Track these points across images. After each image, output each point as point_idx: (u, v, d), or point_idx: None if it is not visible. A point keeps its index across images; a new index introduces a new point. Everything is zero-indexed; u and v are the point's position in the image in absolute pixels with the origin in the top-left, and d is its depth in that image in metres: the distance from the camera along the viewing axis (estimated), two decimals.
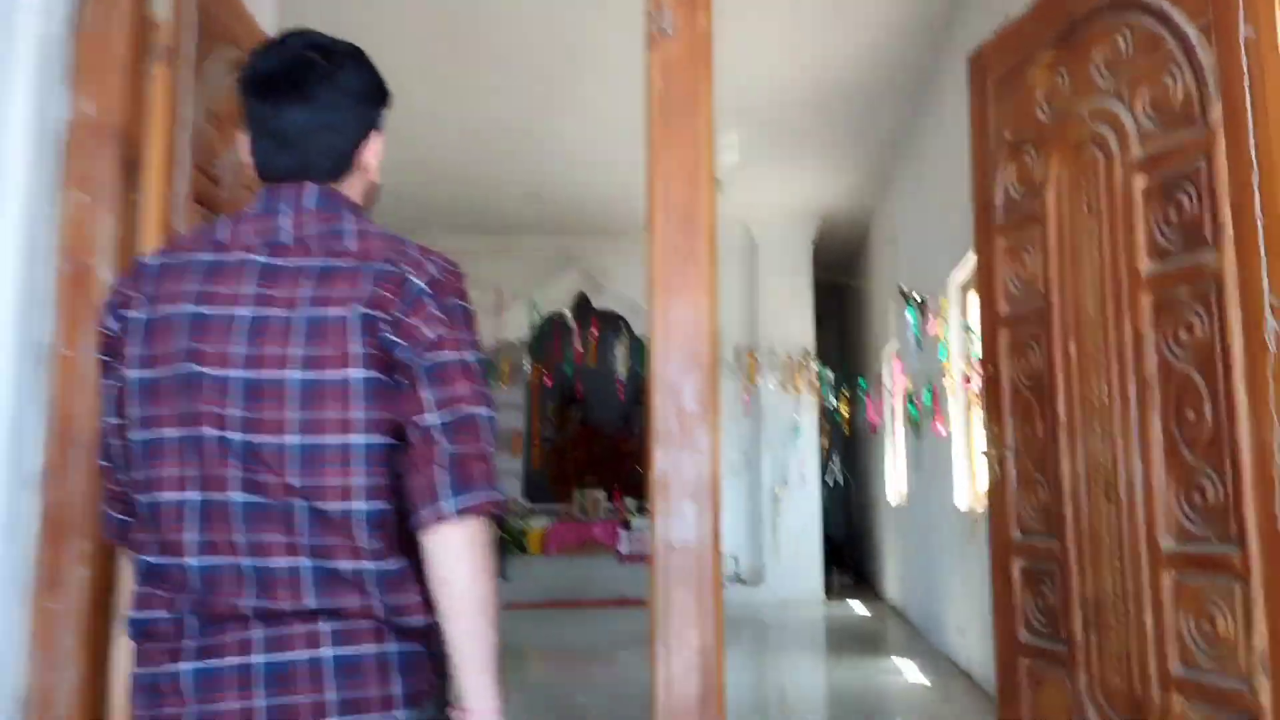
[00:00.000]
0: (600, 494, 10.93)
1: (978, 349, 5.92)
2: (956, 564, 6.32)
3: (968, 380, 5.91)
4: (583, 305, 11.09)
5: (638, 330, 10.75)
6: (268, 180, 1.36)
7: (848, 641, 7.98)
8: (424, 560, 1.24)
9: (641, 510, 10.93)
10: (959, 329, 6.18)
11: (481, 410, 1.27)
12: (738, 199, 9.65)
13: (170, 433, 1.24)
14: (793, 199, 9.91)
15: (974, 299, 6.17)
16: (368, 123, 1.42)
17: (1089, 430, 2.47)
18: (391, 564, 1.24)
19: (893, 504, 9.40)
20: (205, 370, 1.23)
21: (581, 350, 9.82)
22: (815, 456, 10.28)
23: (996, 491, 2.85)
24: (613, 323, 10.80)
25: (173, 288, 1.28)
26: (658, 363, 2.38)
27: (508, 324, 10.65)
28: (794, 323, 10.35)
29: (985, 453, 2.92)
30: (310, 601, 1.21)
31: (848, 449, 10.93)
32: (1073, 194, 2.56)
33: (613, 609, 9.73)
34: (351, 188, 1.41)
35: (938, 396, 6.25)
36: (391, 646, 1.24)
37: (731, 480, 10.38)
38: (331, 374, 1.22)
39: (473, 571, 1.23)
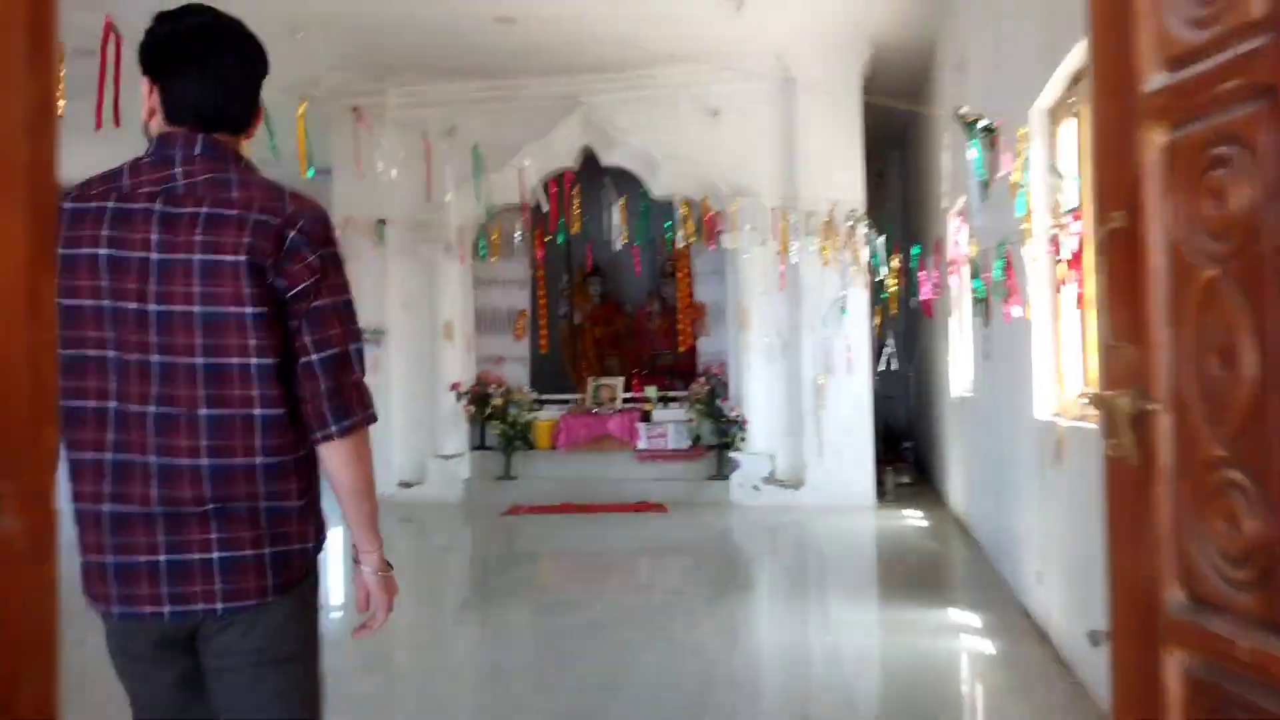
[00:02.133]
0: (617, 382, 9.53)
1: (1071, 197, 4.22)
2: (1034, 489, 4.75)
3: (1056, 244, 4.20)
4: (590, 163, 9.42)
5: (655, 190, 9.06)
6: (175, 123, 1.64)
7: (899, 572, 6.51)
8: (319, 458, 1.66)
9: (665, 400, 9.49)
10: (1043, 171, 4.44)
11: (352, 346, 1.65)
12: (765, 21, 7.76)
13: (92, 352, 1.56)
14: (837, 21, 7.96)
15: (1066, 132, 4.39)
16: (259, 81, 1.75)
17: None
18: (282, 457, 1.61)
19: (956, 397, 7.77)
20: (124, 305, 1.55)
21: (577, 214, 8.22)
22: (866, 339, 8.63)
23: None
24: (626, 182, 9.11)
25: (86, 231, 1.57)
26: None
27: (500, 186, 9.06)
28: (840, 177, 8.54)
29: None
30: (210, 490, 1.56)
31: (907, 329, 9.26)
32: None
33: (629, 514, 8.43)
34: (240, 142, 1.70)
35: (1012, 266, 4.57)
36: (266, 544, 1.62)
37: (765, 367, 8.84)
38: (229, 308, 1.55)
39: (355, 469, 1.66)
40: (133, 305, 1.55)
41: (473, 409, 9.25)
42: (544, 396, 9.74)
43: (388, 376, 9.35)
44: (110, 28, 3.57)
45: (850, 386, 8.57)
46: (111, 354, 1.56)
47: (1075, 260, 4.05)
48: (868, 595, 6.05)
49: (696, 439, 9.06)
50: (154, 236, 1.55)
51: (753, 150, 8.84)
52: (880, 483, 8.77)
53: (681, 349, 9.76)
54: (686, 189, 8.91)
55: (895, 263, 7.27)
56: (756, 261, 8.70)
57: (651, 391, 9.43)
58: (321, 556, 1.75)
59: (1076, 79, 4.06)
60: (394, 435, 9.31)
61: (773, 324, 8.78)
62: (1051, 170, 4.21)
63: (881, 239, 7.62)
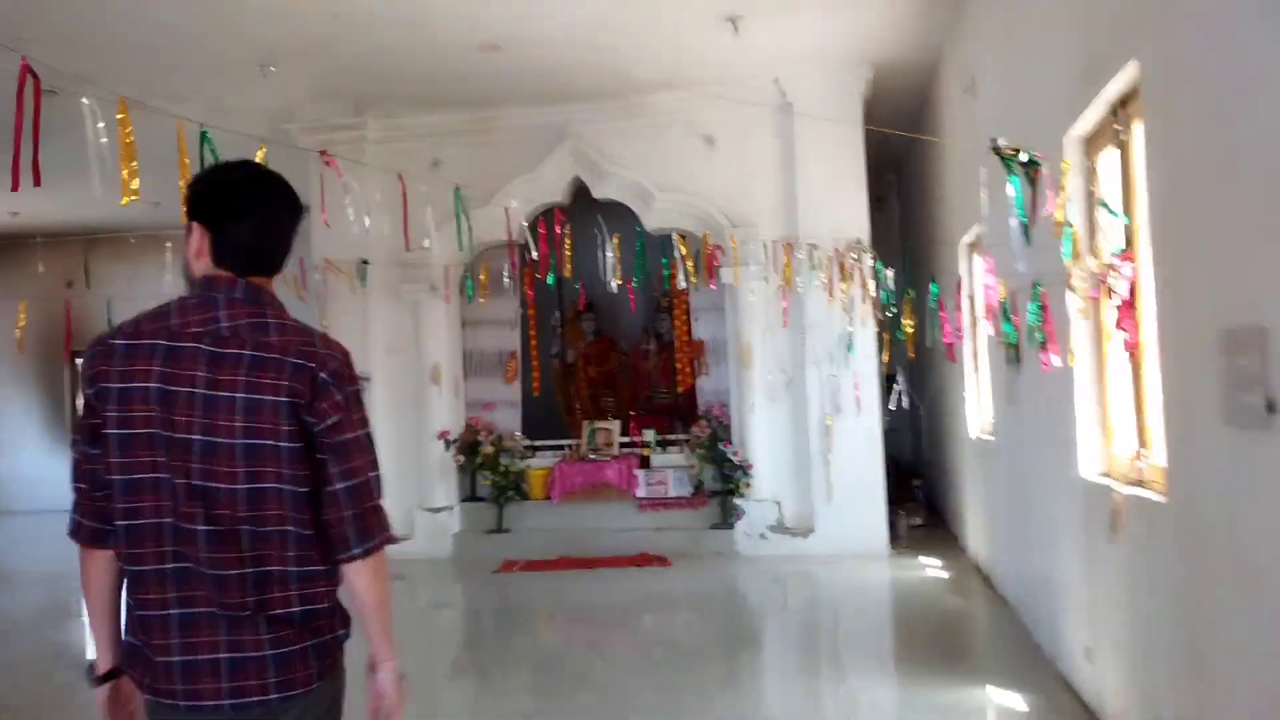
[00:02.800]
0: (614, 426, 9.05)
1: (1117, 236, 3.77)
2: (1078, 554, 4.28)
3: (1103, 287, 3.75)
4: (581, 195, 8.99)
5: (649, 224, 8.62)
6: (223, 268, 1.85)
7: (923, 636, 6.00)
8: (344, 576, 1.87)
9: (663, 444, 9.01)
10: (1082, 206, 4.00)
11: (372, 475, 1.86)
12: (760, 43, 7.35)
13: (145, 476, 1.77)
14: (835, 42, 7.56)
15: (1106, 162, 3.95)
16: (293, 231, 1.95)
17: None
18: (312, 567, 1.83)
19: (973, 437, 7.31)
20: (175, 435, 1.75)
21: (569, 254, 7.77)
22: (875, 376, 8.18)
23: None
24: (618, 215, 8.67)
25: (140, 366, 1.78)
26: None
27: (486, 223, 8.62)
28: (843, 206, 8.12)
29: None
30: (255, 595, 1.78)
31: (916, 365, 8.81)
32: None
33: (629, 569, 7.93)
34: (271, 283, 1.92)
35: (1049, 310, 4.12)
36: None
37: (768, 407, 8.38)
38: (268, 441, 1.77)
39: (376, 586, 1.87)
40: (181, 435, 1.74)
41: (462, 458, 8.77)
42: (537, 443, 9.25)
43: (372, 426, 8.85)
44: (27, 70, 3.11)
45: (860, 426, 8.10)
46: (164, 476, 1.75)
47: (1126, 306, 3.60)
48: (890, 666, 5.55)
49: (699, 486, 8.58)
50: (201, 374, 1.75)
51: (750, 180, 8.42)
52: (892, 526, 8.29)
53: (681, 389, 9.29)
54: (682, 222, 8.48)
55: (909, 295, 6.81)
56: (758, 297, 8.25)
57: (650, 435, 8.96)
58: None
59: (1124, 101, 3.62)
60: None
61: (776, 362, 8.32)
62: (1101, 205, 3.76)
63: (890, 273, 7.17)
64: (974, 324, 5.45)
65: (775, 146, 8.39)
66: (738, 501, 8.30)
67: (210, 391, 1.76)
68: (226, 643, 1.77)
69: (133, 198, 3.39)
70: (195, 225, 1.86)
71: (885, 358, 8.07)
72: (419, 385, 8.89)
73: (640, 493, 8.62)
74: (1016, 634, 5.53)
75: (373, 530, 1.85)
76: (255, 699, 1.78)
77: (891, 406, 8.06)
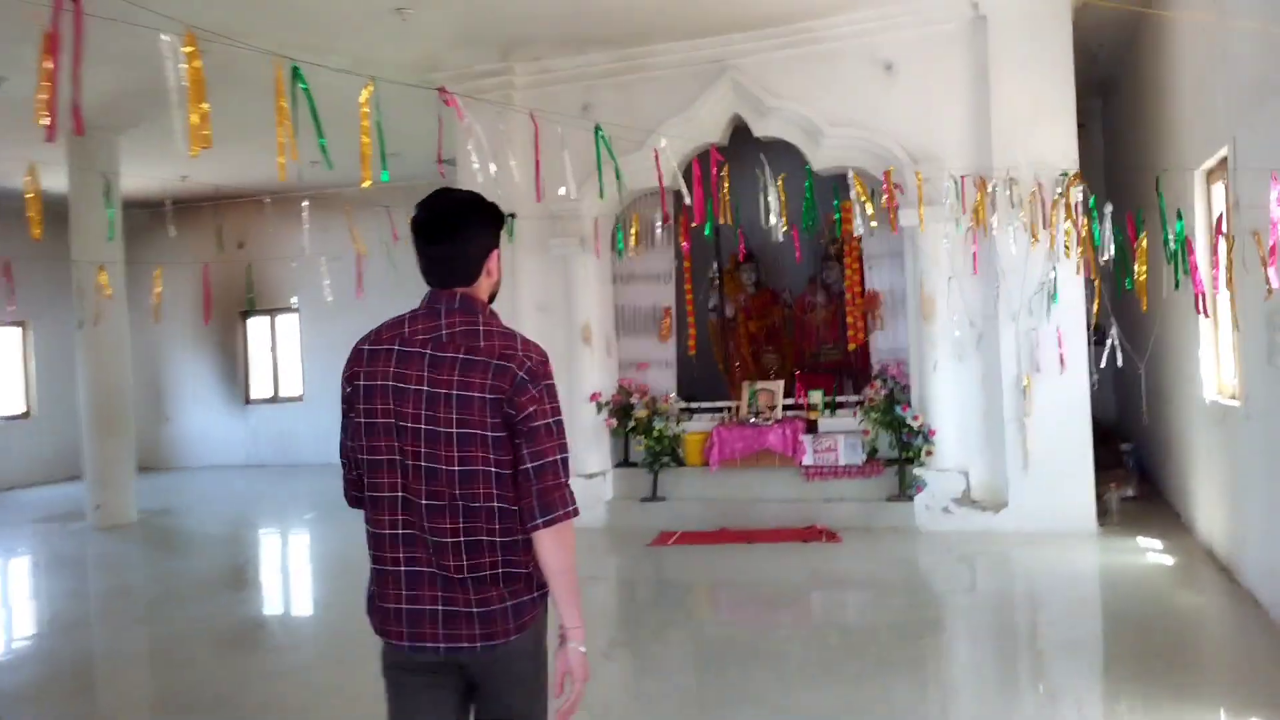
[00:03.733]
0: (777, 386, 8.30)
1: None
2: None
3: None
4: (740, 135, 8.20)
5: (817, 163, 7.76)
6: (431, 285, 2.20)
7: (1142, 634, 5.00)
8: (533, 543, 2.14)
9: (832, 407, 8.20)
10: None
11: (558, 456, 2.13)
12: None
13: (383, 457, 2.13)
14: None
15: None
16: (489, 245, 2.23)
17: None
18: (512, 537, 2.12)
19: (1208, 401, 6.17)
20: (405, 423, 2.11)
21: (726, 198, 7.03)
22: (1082, 329, 7.09)
23: None
24: (784, 154, 7.83)
25: (379, 367, 2.14)
26: None
27: (636, 169, 7.99)
28: (1046, 133, 7.02)
29: None
30: (465, 559, 2.10)
31: (1126, 316, 7.61)
32: None
33: (795, 544, 7.23)
34: (481, 287, 2.21)
35: None
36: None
37: (954, 367, 7.44)
38: (476, 430, 2.08)
39: (558, 553, 2.12)
40: (409, 424, 2.11)
41: (614, 422, 8.24)
42: (694, 405, 8.63)
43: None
44: None
45: (1063, 388, 7.06)
46: (397, 457, 2.12)
47: None
48: (1104, 678, 4.61)
49: (873, 452, 7.74)
50: (423, 373, 2.11)
51: (936, 108, 7.41)
52: (1100, 500, 7.22)
53: (852, 346, 8.42)
54: (856, 160, 7.57)
55: (1143, 241, 5.70)
56: (943, 240, 7.28)
57: (817, 397, 8.16)
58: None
59: None
60: None
61: (964, 315, 7.34)
62: None
63: (1109, 208, 6.07)
64: (1228, 269, 4.40)
65: (966, 68, 7.35)
66: (917, 471, 7.42)
67: (431, 389, 2.09)
68: (442, 597, 2.11)
69: (204, 146, 2.90)
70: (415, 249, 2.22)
71: (1095, 308, 6.96)
72: (570, 345, 8.40)
73: (806, 460, 7.86)
74: (1273, 645, 4.51)
75: (555, 504, 2.11)
76: (465, 645, 2.12)
77: (1102, 365, 6.96)
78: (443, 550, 2.08)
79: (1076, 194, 6.68)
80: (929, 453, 7.40)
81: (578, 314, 8.38)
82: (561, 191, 6.68)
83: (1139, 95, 8.20)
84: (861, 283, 8.25)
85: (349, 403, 2.17)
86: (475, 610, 2.10)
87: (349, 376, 2.17)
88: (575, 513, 2.14)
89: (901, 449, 7.52)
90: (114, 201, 8.03)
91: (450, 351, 2.10)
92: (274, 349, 14.62)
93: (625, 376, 8.65)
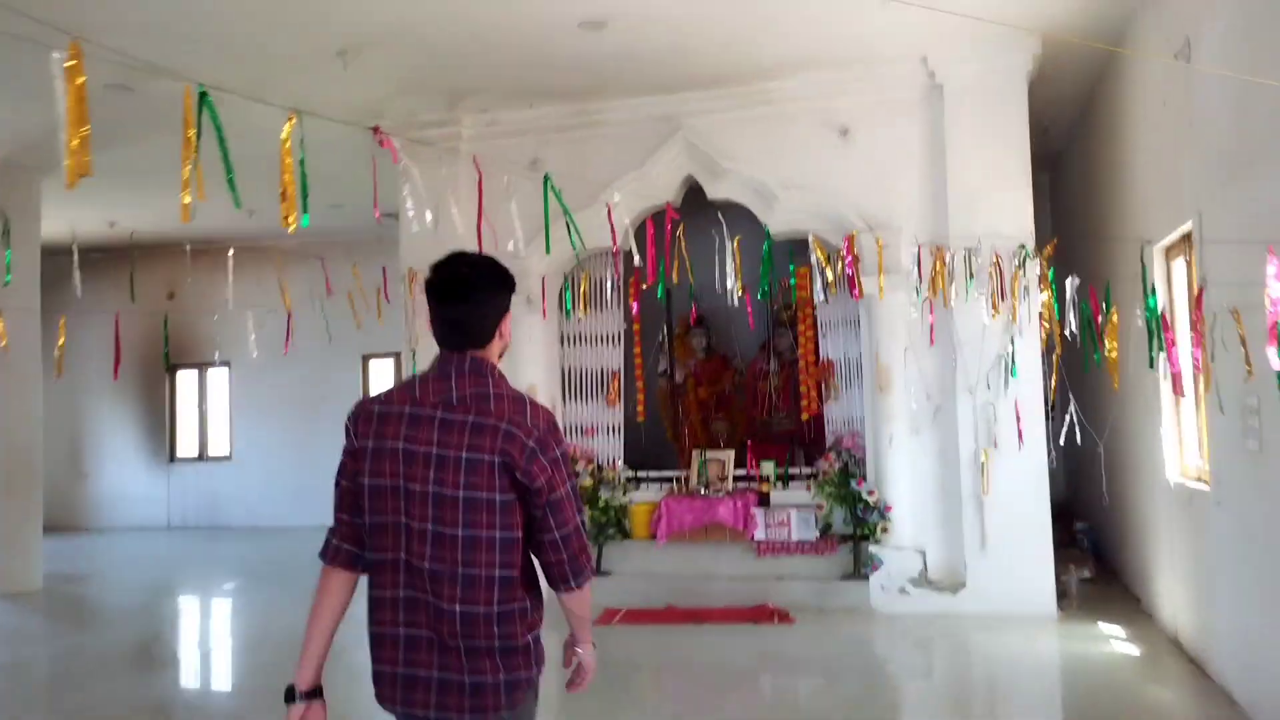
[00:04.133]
0: (727, 456, 7.99)
1: None
2: None
3: None
4: (693, 196, 7.99)
5: (770, 226, 7.55)
6: (443, 347, 2.21)
7: None
8: (559, 601, 2.26)
9: (785, 479, 7.90)
10: None
11: (580, 520, 2.19)
12: (907, 17, 6.21)
13: (390, 519, 2.13)
14: (1000, 8, 6.36)
15: None
16: (502, 307, 2.26)
17: None
18: (509, 607, 2.12)
19: (1172, 483, 5.97)
20: (411, 487, 2.11)
21: (678, 258, 6.77)
22: (1040, 404, 6.90)
23: None
24: (740, 216, 7.62)
25: (390, 429, 2.14)
26: None
27: (586, 227, 7.73)
28: (1002, 206, 6.89)
29: None
30: (462, 629, 2.09)
31: (1081, 391, 7.43)
32: None
33: (746, 624, 6.85)
34: (493, 349, 2.24)
35: None
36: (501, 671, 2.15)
37: (912, 439, 7.20)
38: (483, 495, 2.08)
39: (582, 606, 2.28)
40: (417, 487, 2.10)
41: None
42: (641, 474, 8.26)
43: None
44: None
45: (1021, 465, 6.83)
46: (402, 520, 2.11)
47: None
48: None
49: (827, 528, 7.43)
50: (434, 436, 2.09)
51: (892, 176, 7.26)
52: (1059, 581, 6.97)
53: (805, 416, 8.15)
54: (810, 224, 7.38)
55: (1114, 316, 5.50)
56: (899, 309, 7.08)
57: (769, 468, 7.86)
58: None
59: None
60: None
61: (921, 386, 7.12)
62: None
63: (1074, 281, 5.91)
64: (1202, 347, 4.21)
65: (922, 136, 7.23)
66: (873, 549, 7.12)
67: (439, 451, 2.08)
68: (438, 664, 2.09)
69: (83, 174, 2.54)
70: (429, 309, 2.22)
71: (1053, 382, 6.78)
72: None
73: (758, 535, 7.52)
74: None
75: (583, 568, 2.21)
76: (454, 715, 2.10)
77: (1060, 441, 6.76)
78: (442, 617, 2.08)
79: (1034, 266, 6.55)
80: (885, 530, 7.11)
81: (523, 376, 8.01)
82: (510, 247, 6.35)
83: (1091, 170, 8.17)
84: (816, 350, 8.02)
85: (353, 458, 2.18)
86: (467, 680, 2.09)
87: (358, 434, 2.18)
88: (595, 571, 2.37)
89: (856, 525, 7.22)
90: (9, 241, 7.51)
91: (460, 414, 2.10)
92: (202, 405, 13.99)
93: (571, 443, 8.28)
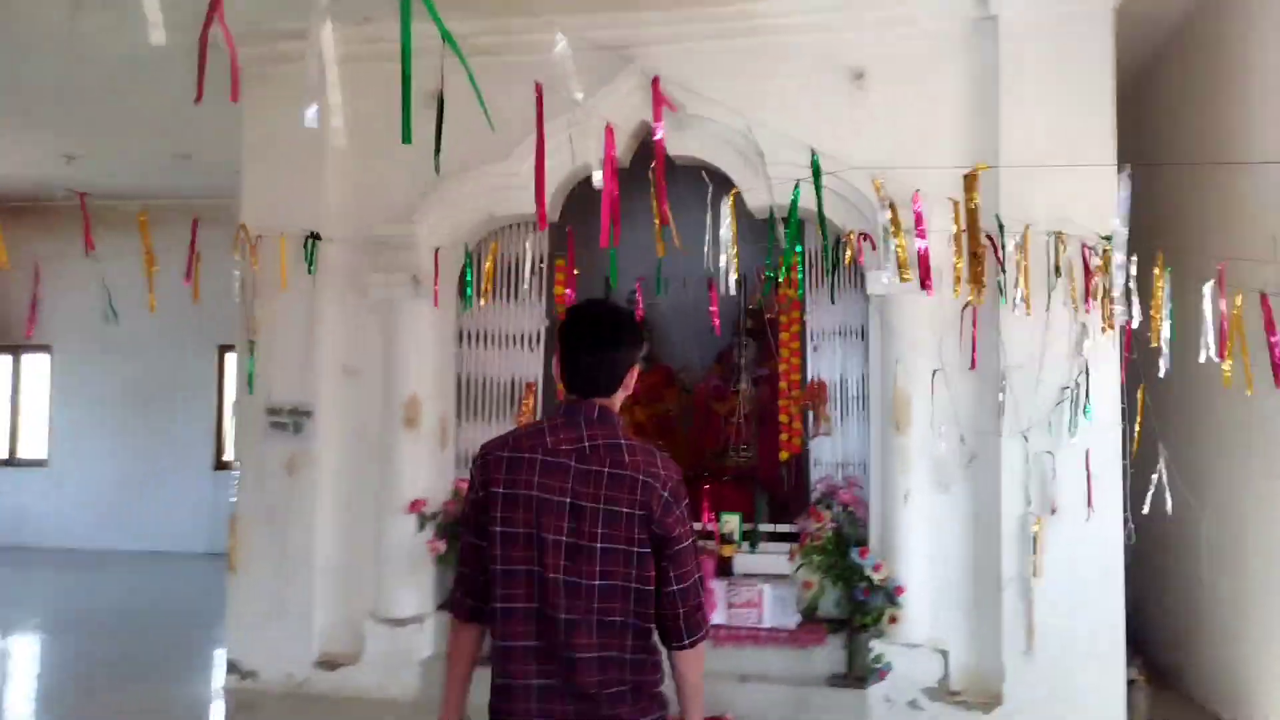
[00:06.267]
0: None
1: None
2: None
3: None
4: (647, 152, 5.92)
5: (754, 199, 5.54)
6: (572, 392, 2.23)
7: None
8: (670, 659, 2.22)
9: (753, 538, 5.88)
10: None
11: (698, 575, 2.20)
12: None
13: (521, 567, 2.12)
14: None
15: None
16: (634, 358, 2.28)
17: None
18: (643, 655, 2.15)
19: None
20: (546, 535, 2.10)
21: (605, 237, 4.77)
22: (1118, 457, 5.05)
23: None
24: (693, 186, 5.59)
25: (522, 476, 2.14)
26: None
27: (497, 189, 5.69)
28: (1076, 178, 5.02)
29: None
30: (598, 676, 2.10)
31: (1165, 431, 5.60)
32: None
33: None
34: (617, 399, 2.26)
35: None
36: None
37: (936, 496, 5.30)
38: (620, 546, 2.10)
39: (695, 669, 2.23)
40: (550, 535, 2.09)
41: (443, 546, 5.68)
42: None
43: (310, 485, 5.84)
44: None
45: (1088, 538, 4.98)
46: (536, 568, 2.09)
47: None
48: None
49: (811, 612, 5.46)
50: (570, 485, 2.11)
51: (922, 137, 5.35)
52: (1129, 692, 5.11)
53: (785, 455, 6.12)
54: (807, 199, 5.38)
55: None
56: (926, 317, 5.18)
57: (733, 523, 5.84)
58: None
59: None
60: (313, 582, 5.78)
61: (953, 424, 5.21)
62: None
63: (1165, 283, 4.08)
64: None
65: (965, 85, 5.34)
66: (876, 645, 5.16)
67: (575, 500, 2.10)
68: (574, 711, 2.10)
69: None
70: (557, 355, 2.27)
71: (1137, 428, 4.94)
72: (386, 427, 5.84)
73: (716, 617, 5.50)
74: None
75: (699, 624, 2.21)
76: None
77: (1145, 509, 4.93)
78: (575, 666, 2.08)
79: (1119, 263, 4.69)
80: (893, 619, 5.15)
81: (402, 384, 5.85)
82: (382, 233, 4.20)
83: (1182, 124, 6.30)
84: (802, 368, 6.03)
85: (480, 508, 2.17)
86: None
87: (485, 482, 2.18)
88: (709, 631, 2.25)
89: (854, 610, 5.25)
90: None
91: (595, 465, 2.13)
92: (14, 397, 11.33)
93: (465, 477, 6.10)
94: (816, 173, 4.64)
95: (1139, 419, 4.92)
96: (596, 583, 2.08)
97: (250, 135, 6.07)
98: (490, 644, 2.18)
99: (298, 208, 5.91)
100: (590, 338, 2.21)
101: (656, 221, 4.47)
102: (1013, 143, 5.15)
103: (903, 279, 4.29)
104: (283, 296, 5.83)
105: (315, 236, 5.84)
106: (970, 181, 4.15)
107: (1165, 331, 4.32)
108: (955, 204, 4.54)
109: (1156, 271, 4.56)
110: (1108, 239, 4.80)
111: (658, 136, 4.83)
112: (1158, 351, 4.60)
